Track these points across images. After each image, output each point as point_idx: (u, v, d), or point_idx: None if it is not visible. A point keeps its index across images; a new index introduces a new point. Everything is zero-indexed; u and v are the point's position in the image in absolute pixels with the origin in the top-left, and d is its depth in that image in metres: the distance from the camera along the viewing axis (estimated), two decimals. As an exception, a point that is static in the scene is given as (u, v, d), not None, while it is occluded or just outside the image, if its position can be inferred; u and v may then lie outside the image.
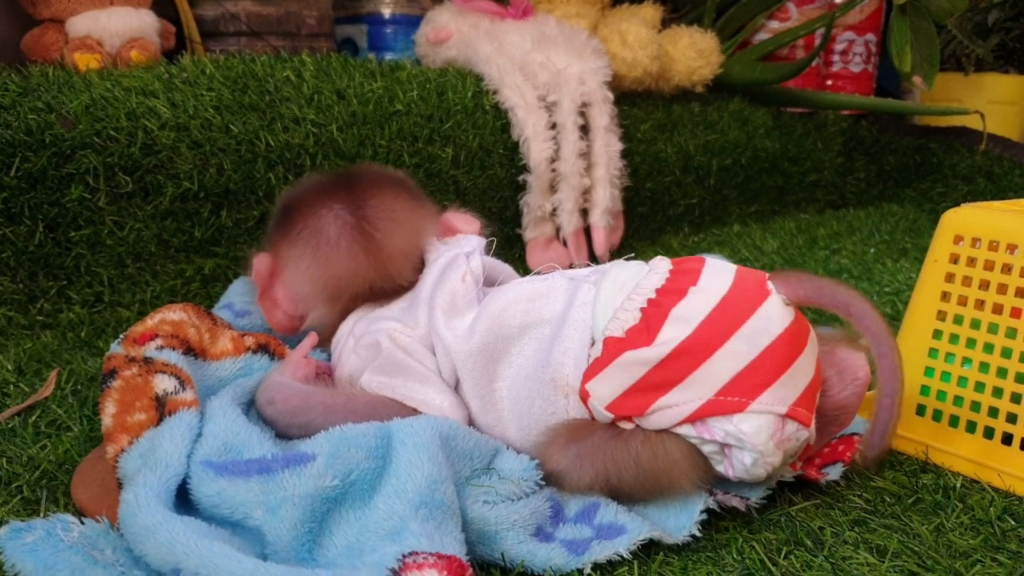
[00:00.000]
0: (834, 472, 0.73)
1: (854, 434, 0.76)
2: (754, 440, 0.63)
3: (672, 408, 0.63)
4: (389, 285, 0.78)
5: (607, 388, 0.65)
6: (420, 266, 0.80)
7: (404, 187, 0.84)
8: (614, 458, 0.66)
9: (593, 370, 0.66)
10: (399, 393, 0.72)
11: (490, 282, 0.80)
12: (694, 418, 0.63)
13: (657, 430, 0.65)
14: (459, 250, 0.79)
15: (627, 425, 0.66)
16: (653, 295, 0.66)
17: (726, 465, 0.65)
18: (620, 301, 0.67)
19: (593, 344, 0.67)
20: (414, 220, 0.81)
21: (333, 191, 0.81)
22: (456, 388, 0.74)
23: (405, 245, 0.80)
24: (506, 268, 0.84)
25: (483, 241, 0.82)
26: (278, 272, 0.82)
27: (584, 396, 0.66)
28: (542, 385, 0.69)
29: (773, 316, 0.64)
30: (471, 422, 0.73)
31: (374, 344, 0.75)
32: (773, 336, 0.64)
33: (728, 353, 0.63)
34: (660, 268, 0.69)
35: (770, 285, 0.66)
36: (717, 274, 0.67)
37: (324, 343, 0.82)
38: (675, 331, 0.64)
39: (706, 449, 0.64)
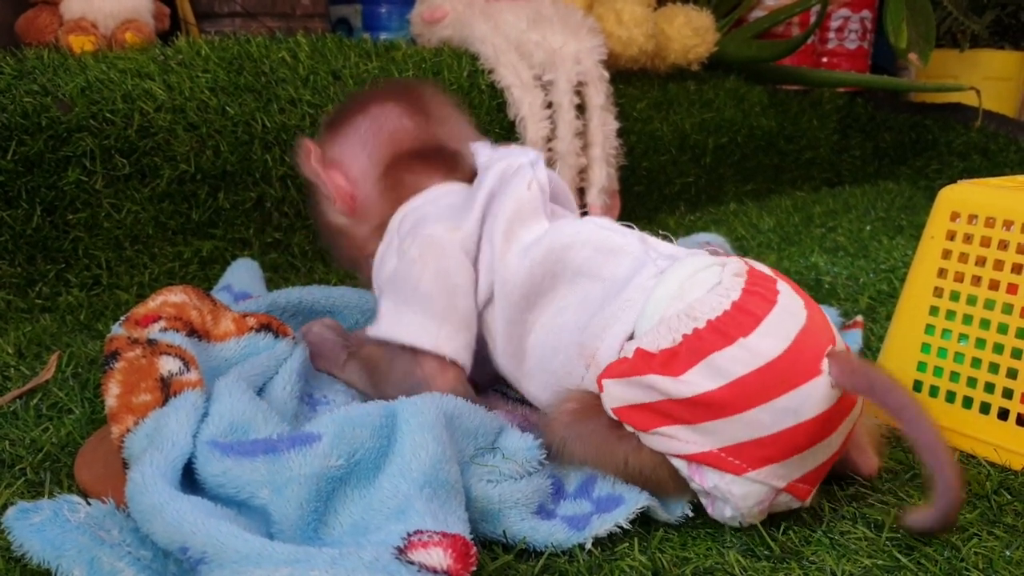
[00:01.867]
0: None
1: None
2: (740, 503, 0.62)
3: (674, 440, 0.62)
4: (437, 148, 0.80)
5: (622, 395, 0.64)
6: (470, 160, 0.80)
7: (452, 101, 0.88)
8: (608, 451, 0.65)
9: (616, 371, 0.64)
10: (399, 332, 0.72)
11: (552, 197, 0.79)
12: (691, 459, 0.62)
13: (654, 449, 0.64)
14: (521, 159, 0.77)
15: (629, 428, 0.64)
16: (703, 325, 0.62)
17: (707, 503, 0.64)
18: (673, 310, 0.64)
19: (631, 338, 0.65)
20: (460, 110, 0.85)
21: (384, 89, 0.85)
22: (487, 305, 0.74)
23: (450, 116, 0.83)
24: (564, 186, 0.81)
25: (540, 153, 0.79)
26: (328, 158, 0.82)
27: (599, 387, 0.66)
28: (570, 344, 0.69)
29: (811, 399, 0.60)
30: (483, 353, 0.74)
31: (404, 255, 0.75)
32: (801, 419, 0.60)
33: (748, 420, 0.60)
34: (728, 289, 0.64)
35: (824, 365, 0.61)
36: (779, 328, 0.61)
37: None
38: (704, 377, 0.60)
39: (693, 486, 0.63)
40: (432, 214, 0.77)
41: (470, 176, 0.80)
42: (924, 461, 0.60)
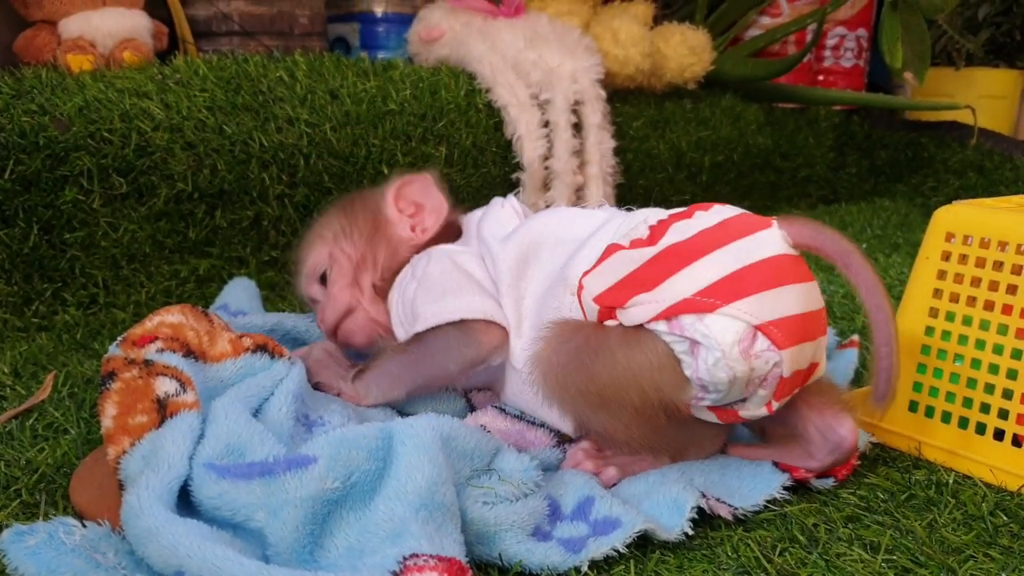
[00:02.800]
0: (826, 482, 0.73)
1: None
2: (720, 339, 0.63)
3: (651, 303, 0.66)
4: (453, 225, 0.91)
5: (598, 282, 0.70)
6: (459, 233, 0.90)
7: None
8: (594, 352, 0.68)
9: (591, 269, 0.71)
10: (447, 314, 0.78)
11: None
12: (668, 314, 0.65)
13: (635, 327, 0.67)
14: (497, 200, 0.90)
15: (611, 323, 0.68)
16: (665, 218, 0.72)
17: (693, 367, 0.65)
18: (637, 223, 0.72)
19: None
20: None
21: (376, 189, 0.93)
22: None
23: (448, 204, 0.91)
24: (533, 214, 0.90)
25: (510, 196, 0.91)
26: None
27: (579, 290, 0.71)
28: (556, 283, 0.75)
29: (766, 241, 0.67)
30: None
31: (429, 264, 0.83)
32: (761, 256, 0.66)
33: (712, 260, 0.66)
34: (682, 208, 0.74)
35: (774, 221, 0.69)
36: (728, 208, 0.72)
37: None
38: (670, 237, 0.68)
39: (677, 348, 0.65)
40: (442, 247, 0.86)
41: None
42: (866, 305, 0.67)
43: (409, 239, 0.89)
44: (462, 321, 0.77)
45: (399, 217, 0.89)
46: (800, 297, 0.66)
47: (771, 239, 0.67)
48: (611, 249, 0.71)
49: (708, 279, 0.65)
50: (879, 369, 0.67)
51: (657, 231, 0.70)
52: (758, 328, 0.64)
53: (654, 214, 0.75)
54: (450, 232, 0.90)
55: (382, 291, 0.88)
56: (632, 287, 0.67)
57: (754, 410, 0.68)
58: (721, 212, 0.71)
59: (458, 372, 0.79)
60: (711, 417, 0.69)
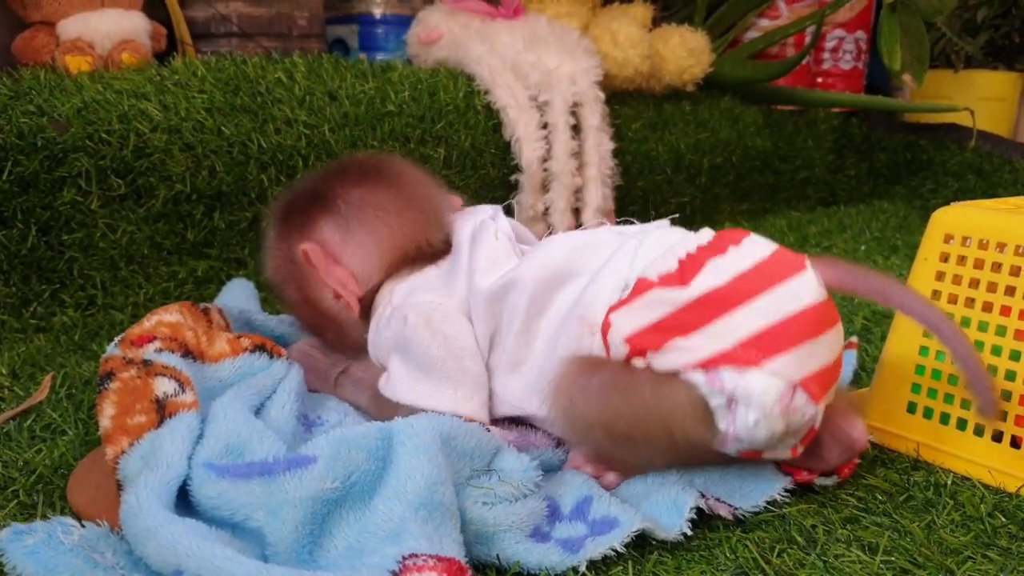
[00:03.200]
0: (828, 480, 0.73)
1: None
2: (762, 399, 0.62)
3: (687, 351, 0.64)
4: (429, 245, 0.81)
5: (629, 321, 0.67)
6: (448, 236, 0.83)
7: (417, 168, 0.88)
8: (623, 392, 0.66)
9: (619, 304, 0.68)
10: (425, 402, 0.74)
11: (518, 240, 0.83)
12: (707, 364, 0.63)
13: (667, 373, 0.65)
14: (481, 216, 0.82)
15: (640, 362, 0.66)
16: (694, 250, 0.68)
17: (729, 421, 0.64)
18: (661, 252, 0.69)
19: (626, 288, 0.69)
20: (438, 189, 0.86)
21: (356, 175, 0.84)
22: (493, 339, 0.76)
23: (438, 206, 0.83)
24: (524, 229, 0.85)
25: (497, 207, 0.84)
26: (331, 254, 0.81)
27: (605, 327, 0.68)
28: (570, 321, 0.71)
29: (805, 288, 0.65)
30: (497, 372, 0.76)
31: (404, 321, 0.76)
32: (802, 306, 0.64)
33: (754, 309, 0.64)
34: (706, 233, 0.71)
35: (807, 263, 0.67)
36: (759, 243, 0.69)
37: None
38: (708, 279, 0.65)
39: (713, 402, 0.64)
40: (421, 284, 0.80)
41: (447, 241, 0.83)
42: (930, 330, 0.68)
43: (340, 308, 0.83)
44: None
45: (322, 282, 0.82)
46: (831, 345, 0.66)
47: (807, 286, 0.66)
48: (641, 285, 0.68)
49: (749, 330, 0.63)
50: (972, 382, 0.66)
51: (688, 268, 0.67)
52: (799, 385, 0.63)
53: (669, 237, 0.72)
54: (440, 251, 0.82)
55: (343, 351, 0.86)
56: (668, 331, 0.65)
57: (780, 454, 0.68)
58: (753, 250, 0.68)
59: None
60: (732, 451, 0.68)
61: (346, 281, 0.81)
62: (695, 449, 0.66)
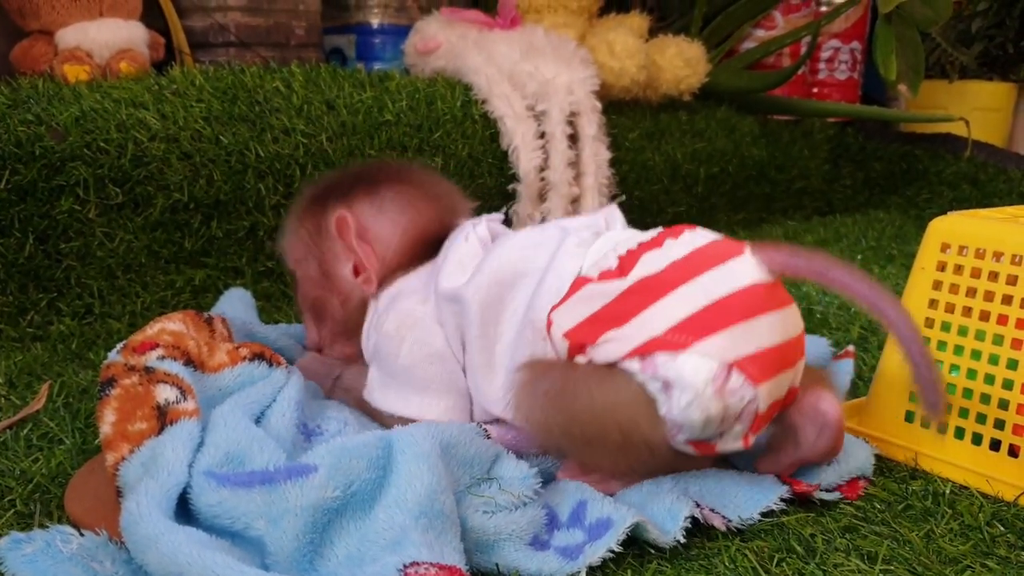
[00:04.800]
0: (831, 496, 0.73)
1: (860, 477, 0.75)
2: (693, 380, 0.63)
3: (621, 342, 0.65)
4: (439, 240, 0.84)
5: (567, 317, 0.68)
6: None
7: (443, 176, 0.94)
8: (570, 393, 0.66)
9: (560, 303, 0.69)
10: (401, 409, 0.77)
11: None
12: (640, 352, 0.64)
13: (608, 365, 0.66)
14: (471, 222, 0.84)
15: (581, 359, 0.68)
16: (635, 247, 0.69)
17: (667, 406, 0.64)
18: (605, 252, 0.71)
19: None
20: (458, 193, 0.90)
21: (396, 168, 0.89)
22: (463, 338, 0.77)
23: (455, 207, 0.88)
24: (509, 232, 0.86)
25: (497, 215, 0.85)
26: (361, 228, 0.84)
27: (548, 326, 0.69)
28: (524, 327, 0.72)
29: (738, 271, 0.66)
30: (472, 374, 0.77)
31: (381, 328, 0.79)
32: (735, 288, 0.65)
33: (683, 295, 0.65)
34: (652, 231, 0.72)
35: (747, 247, 0.67)
36: (699, 234, 0.70)
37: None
38: (639, 271, 0.67)
39: (650, 387, 0.64)
40: (406, 290, 0.82)
41: None
42: (873, 314, 0.66)
43: (354, 284, 0.84)
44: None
45: (347, 255, 0.84)
46: (776, 327, 0.66)
47: (744, 268, 0.66)
48: (579, 282, 0.69)
49: (679, 315, 0.64)
50: (917, 376, 0.65)
51: (627, 262, 0.68)
52: (732, 364, 0.63)
53: (615, 236, 0.73)
54: (429, 248, 0.84)
55: (345, 334, 0.87)
56: (603, 323, 0.66)
57: (731, 444, 0.67)
58: (692, 240, 0.69)
59: None
60: (689, 450, 0.68)
61: (369, 255, 0.83)
62: (652, 446, 0.66)
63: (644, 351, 0.64)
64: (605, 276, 0.68)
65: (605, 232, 0.76)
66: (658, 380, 0.64)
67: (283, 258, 0.89)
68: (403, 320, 0.78)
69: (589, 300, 0.67)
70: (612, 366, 0.66)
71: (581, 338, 0.67)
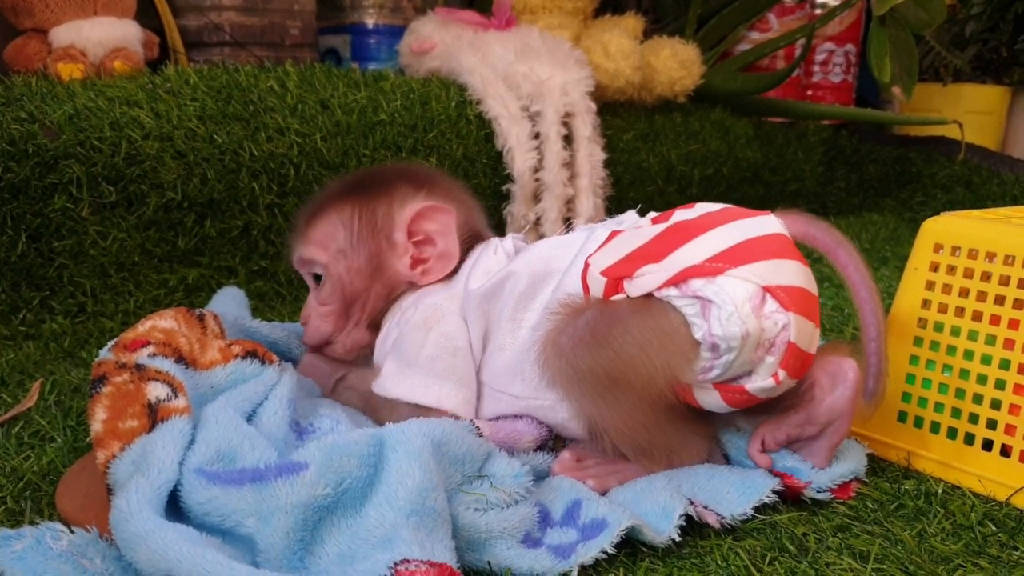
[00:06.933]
0: (822, 495, 0.73)
1: (853, 479, 0.75)
2: (732, 295, 0.65)
3: (659, 272, 0.67)
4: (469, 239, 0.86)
5: (604, 258, 0.71)
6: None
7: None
8: (609, 325, 0.68)
9: (597, 249, 0.73)
10: (409, 394, 0.77)
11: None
12: (677, 280, 0.67)
13: (644, 297, 0.68)
14: (497, 239, 0.87)
15: (618, 297, 0.69)
16: (670, 212, 0.74)
17: (704, 328, 0.66)
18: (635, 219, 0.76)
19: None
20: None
21: (425, 169, 0.94)
22: (485, 338, 0.79)
23: (480, 215, 0.91)
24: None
25: (520, 235, 0.89)
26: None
27: (584, 272, 0.72)
28: (550, 306, 0.74)
29: (767, 222, 0.70)
30: (489, 365, 0.79)
31: (409, 326, 0.80)
32: (766, 232, 0.69)
33: (718, 234, 0.68)
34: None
35: (770, 214, 0.72)
36: (726, 205, 0.74)
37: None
38: (676, 218, 0.72)
39: (688, 312, 0.66)
40: (435, 289, 0.84)
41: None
42: (853, 298, 0.70)
43: (408, 276, 0.84)
44: (416, 404, 0.77)
45: (406, 248, 0.84)
46: (801, 273, 0.68)
47: (771, 221, 0.70)
48: (615, 234, 0.73)
49: (716, 248, 0.67)
50: (868, 366, 0.70)
51: (660, 218, 0.73)
52: (766, 289, 0.66)
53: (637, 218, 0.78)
54: (465, 250, 0.86)
55: (372, 326, 0.87)
56: (641, 259, 0.69)
57: (761, 381, 0.68)
58: (719, 205, 0.73)
59: None
60: (716, 399, 0.69)
61: (429, 248, 0.84)
62: (673, 392, 0.68)
63: (681, 278, 0.67)
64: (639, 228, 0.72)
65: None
66: (696, 302, 0.66)
67: (301, 250, 0.86)
68: (432, 313, 0.80)
69: (627, 241, 0.71)
70: (649, 297, 0.68)
71: (617, 272, 0.69)
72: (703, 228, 0.69)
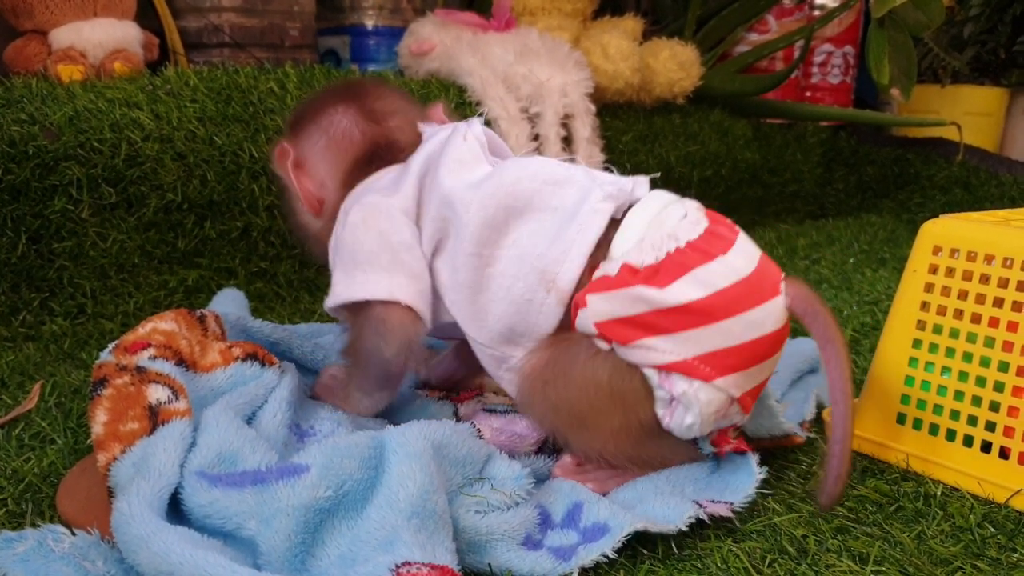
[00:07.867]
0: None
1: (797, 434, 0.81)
2: (703, 409, 0.67)
3: (653, 351, 0.67)
4: (389, 145, 0.82)
5: (607, 308, 0.67)
6: (418, 142, 0.81)
7: (398, 88, 0.89)
8: (587, 376, 0.69)
9: (601, 286, 0.68)
10: (351, 293, 0.74)
11: (492, 151, 0.80)
12: (667, 368, 0.67)
13: (629, 362, 0.68)
14: (459, 125, 0.80)
15: (603, 345, 0.68)
16: (683, 246, 0.68)
17: (666, 414, 0.68)
18: (649, 233, 0.69)
19: (608, 261, 0.69)
20: (408, 99, 0.87)
21: (338, 92, 0.85)
22: (436, 254, 0.76)
23: (399, 108, 0.84)
24: (501, 141, 0.83)
25: (480, 118, 0.82)
26: (297, 160, 0.83)
27: (579, 303, 0.68)
28: (531, 272, 0.71)
29: (772, 315, 0.68)
30: (437, 291, 0.76)
31: (345, 221, 0.77)
32: (765, 332, 0.68)
33: (723, 329, 0.66)
34: (697, 220, 0.70)
35: (782, 287, 0.69)
36: (746, 253, 0.70)
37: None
38: (690, 289, 0.66)
39: (659, 394, 0.68)
40: (373, 187, 0.80)
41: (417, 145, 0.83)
42: (829, 398, 0.69)
43: (312, 220, 0.83)
44: (368, 302, 0.74)
45: (295, 194, 0.83)
46: (774, 364, 0.71)
47: (776, 312, 0.68)
48: (626, 273, 0.67)
49: (711, 347, 0.66)
50: (830, 467, 0.67)
51: (674, 265, 0.67)
52: (737, 399, 0.68)
53: (652, 202, 0.72)
54: (389, 155, 0.82)
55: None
56: (641, 328, 0.67)
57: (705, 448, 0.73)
58: (737, 264, 0.68)
59: (394, 357, 0.74)
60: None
61: (306, 184, 0.82)
62: (645, 428, 0.70)
63: (670, 368, 0.67)
64: (648, 274, 0.66)
65: (631, 192, 0.73)
66: (670, 394, 0.67)
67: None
68: (370, 211, 0.76)
69: (632, 302, 0.67)
70: (634, 366, 0.68)
71: (614, 335, 0.68)
72: (709, 317, 0.66)
